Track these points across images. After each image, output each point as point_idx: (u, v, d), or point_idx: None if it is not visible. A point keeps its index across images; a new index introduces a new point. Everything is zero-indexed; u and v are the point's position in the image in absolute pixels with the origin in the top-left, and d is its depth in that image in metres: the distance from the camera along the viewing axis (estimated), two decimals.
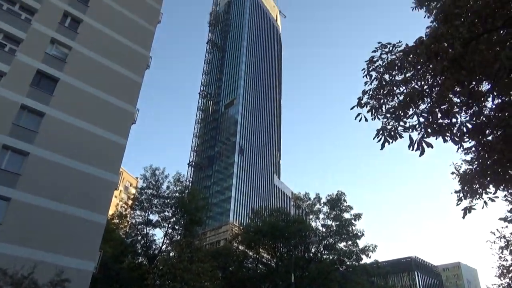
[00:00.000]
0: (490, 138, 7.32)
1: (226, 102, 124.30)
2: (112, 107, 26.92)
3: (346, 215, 41.29)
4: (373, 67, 6.60)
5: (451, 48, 5.75)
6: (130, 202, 40.57)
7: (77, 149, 23.97)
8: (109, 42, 29.13)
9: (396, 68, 6.42)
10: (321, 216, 42.34)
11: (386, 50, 6.52)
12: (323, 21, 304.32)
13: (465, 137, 6.47)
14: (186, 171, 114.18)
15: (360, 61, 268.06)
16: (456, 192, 9.16)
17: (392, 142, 6.60)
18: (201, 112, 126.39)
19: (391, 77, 6.87)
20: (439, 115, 6.11)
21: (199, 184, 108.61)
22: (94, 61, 27.54)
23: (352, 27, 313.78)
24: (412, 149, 6.06)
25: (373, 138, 6.61)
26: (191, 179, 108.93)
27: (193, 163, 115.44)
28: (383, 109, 6.95)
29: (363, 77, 6.61)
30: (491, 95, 6.32)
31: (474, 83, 6.35)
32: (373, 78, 6.74)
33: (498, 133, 6.84)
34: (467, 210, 8.42)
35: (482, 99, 6.73)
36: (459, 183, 9.34)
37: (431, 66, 6.14)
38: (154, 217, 37.91)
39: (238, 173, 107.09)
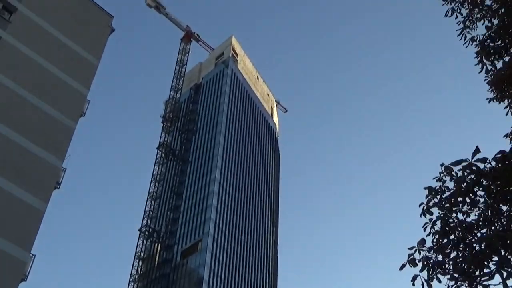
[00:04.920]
0: None
1: (184, 247, 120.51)
2: None
3: None
4: (435, 201, 6.70)
5: None
6: None
7: None
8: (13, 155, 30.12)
9: (467, 202, 6.52)
10: None
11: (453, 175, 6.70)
12: (335, 119, 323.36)
13: None
14: None
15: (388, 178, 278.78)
16: None
17: None
18: (141, 263, 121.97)
19: (456, 216, 6.95)
20: None
21: None
22: None
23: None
24: None
25: None
26: None
27: None
28: (447, 265, 6.88)
29: (420, 215, 6.63)
30: None
31: None
32: (434, 218, 6.89)
33: None
34: None
35: None
36: None
37: None
38: None
39: None
